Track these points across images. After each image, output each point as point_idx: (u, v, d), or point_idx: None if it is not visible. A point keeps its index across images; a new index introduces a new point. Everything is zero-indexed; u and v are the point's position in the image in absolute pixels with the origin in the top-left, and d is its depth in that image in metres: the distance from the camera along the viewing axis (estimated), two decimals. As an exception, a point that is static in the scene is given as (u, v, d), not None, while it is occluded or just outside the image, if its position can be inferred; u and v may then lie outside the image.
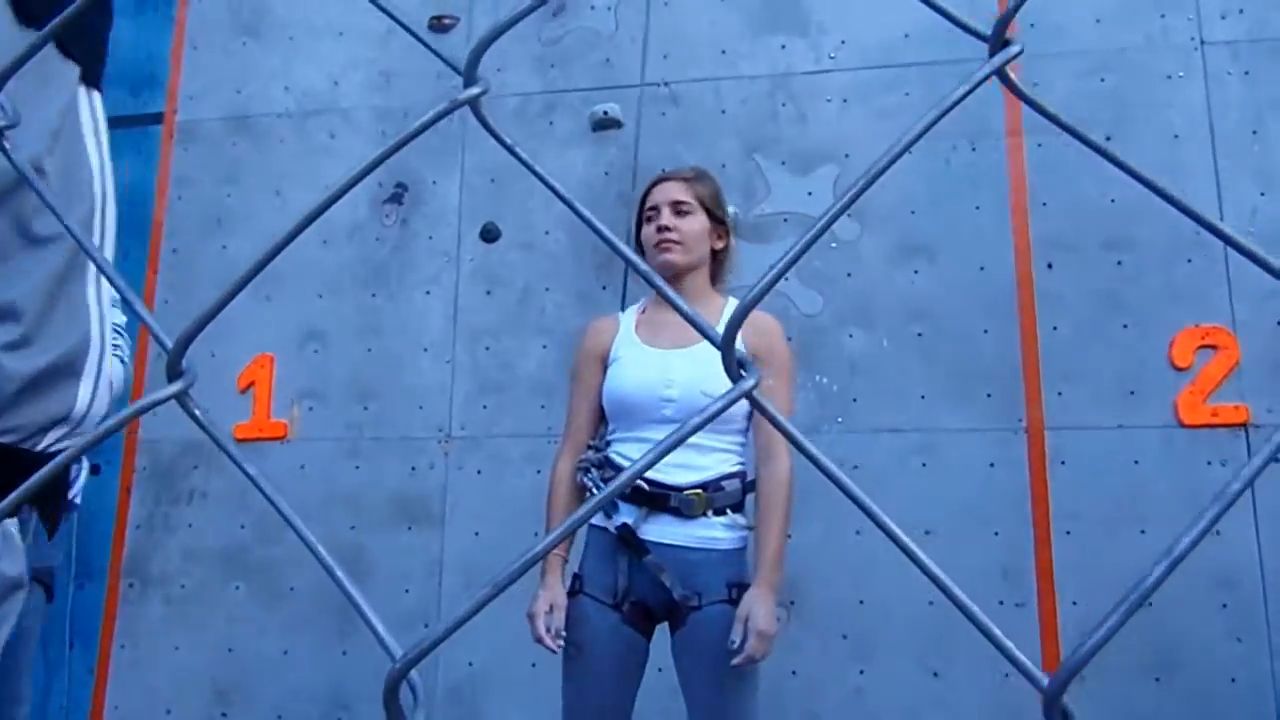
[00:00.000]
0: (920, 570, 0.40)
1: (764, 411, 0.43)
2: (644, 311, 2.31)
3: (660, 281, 0.49)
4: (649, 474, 2.04)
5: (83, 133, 0.84)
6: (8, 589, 0.75)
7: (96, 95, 0.87)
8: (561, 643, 2.07)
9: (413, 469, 3.72)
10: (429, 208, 3.97)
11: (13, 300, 0.74)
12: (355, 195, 4.03)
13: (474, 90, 0.47)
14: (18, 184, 0.73)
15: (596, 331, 2.30)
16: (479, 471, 3.66)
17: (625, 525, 2.10)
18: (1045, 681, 0.33)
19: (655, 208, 2.25)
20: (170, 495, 3.87)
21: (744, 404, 2.15)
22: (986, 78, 0.42)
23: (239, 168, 4.13)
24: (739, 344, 2.18)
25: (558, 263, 3.78)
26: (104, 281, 0.83)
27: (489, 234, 3.87)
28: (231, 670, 3.68)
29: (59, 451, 0.80)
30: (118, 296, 0.86)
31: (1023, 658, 0.35)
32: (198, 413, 0.47)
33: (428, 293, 3.87)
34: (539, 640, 2.06)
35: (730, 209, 3.63)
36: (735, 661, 1.97)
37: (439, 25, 4.13)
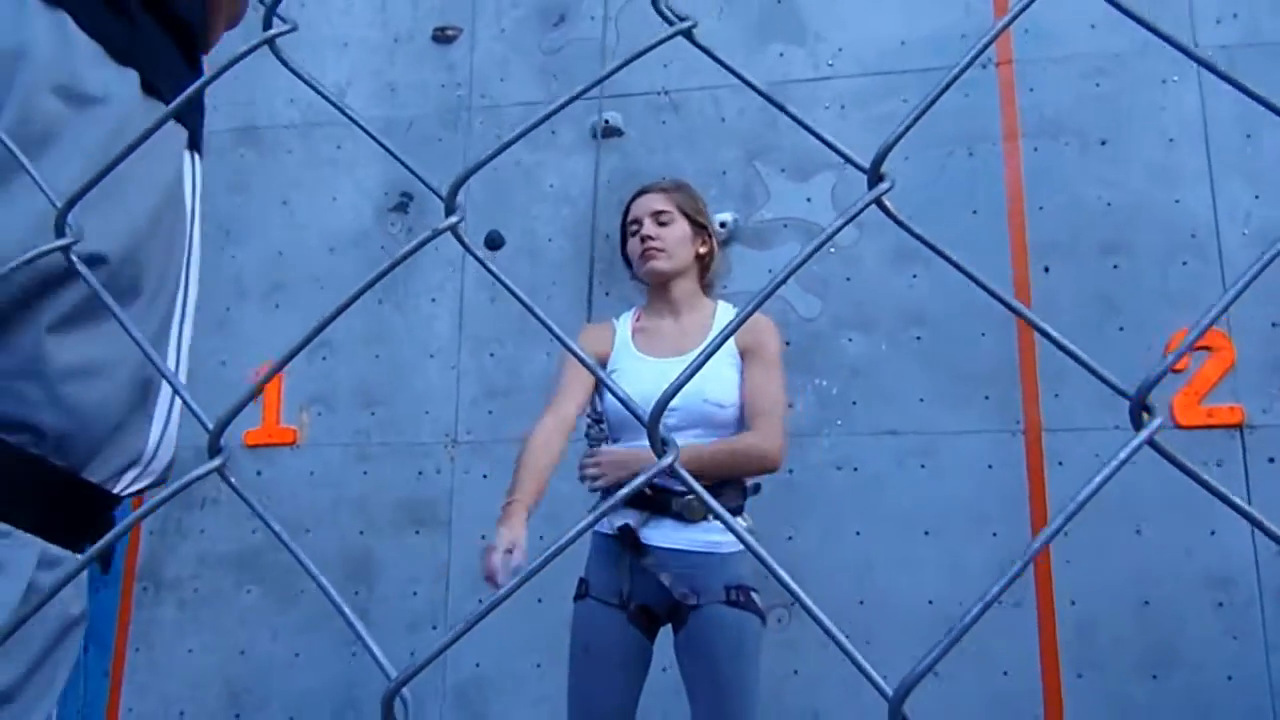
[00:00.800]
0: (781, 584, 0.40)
1: (685, 482, 0.46)
2: (638, 319, 2.31)
3: (593, 364, 0.50)
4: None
5: (185, 204, 0.88)
6: (71, 625, 0.78)
7: (198, 159, 0.91)
8: (502, 581, 1.90)
9: (420, 473, 3.72)
10: (434, 217, 3.97)
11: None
12: (360, 206, 4.04)
13: (453, 219, 0.52)
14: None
15: (593, 339, 2.30)
16: (485, 476, 3.67)
17: (626, 526, 2.11)
18: (890, 691, 0.39)
19: (637, 220, 2.27)
20: (183, 502, 3.87)
21: (733, 408, 2.14)
22: (864, 209, 0.44)
23: (247, 178, 4.14)
24: (730, 343, 2.18)
25: (561, 269, 3.79)
26: (188, 323, 0.89)
27: (493, 242, 3.87)
28: (244, 672, 3.69)
29: (136, 491, 0.86)
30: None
31: (872, 671, 0.40)
32: (233, 481, 0.54)
33: (433, 300, 3.88)
34: (489, 578, 1.91)
35: (728, 216, 3.64)
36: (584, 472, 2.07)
37: (443, 36, 4.14)
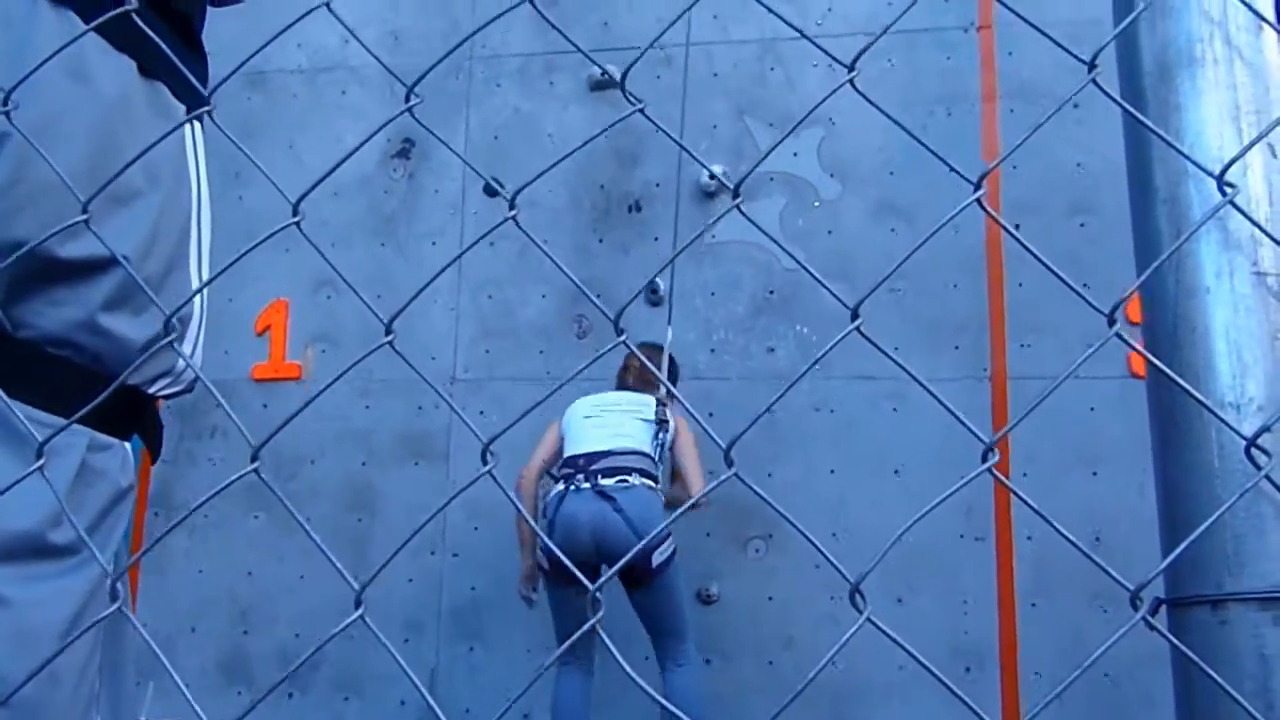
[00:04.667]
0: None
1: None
2: None
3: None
4: None
5: (186, 160, 1.03)
6: (121, 494, 0.94)
7: (198, 127, 1.05)
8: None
9: (419, 408, 3.74)
10: (435, 163, 3.95)
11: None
12: (364, 151, 4.01)
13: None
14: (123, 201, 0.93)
15: None
16: (481, 411, 3.69)
17: None
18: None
19: None
20: (193, 432, 3.89)
21: None
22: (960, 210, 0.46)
23: (254, 122, 4.09)
24: None
25: (557, 216, 3.78)
26: (204, 262, 1.04)
27: (491, 190, 3.85)
28: (252, 593, 3.74)
29: (169, 395, 1.01)
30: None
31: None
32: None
33: (434, 244, 3.87)
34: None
35: (718, 168, 3.63)
36: None
37: (445, -13, 4.07)
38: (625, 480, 2.80)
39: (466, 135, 3.92)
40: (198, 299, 1.00)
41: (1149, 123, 0.71)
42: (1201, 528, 0.65)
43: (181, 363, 0.98)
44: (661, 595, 2.82)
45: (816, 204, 3.58)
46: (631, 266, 3.65)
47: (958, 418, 0.54)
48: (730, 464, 0.50)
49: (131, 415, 0.97)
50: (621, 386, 3.09)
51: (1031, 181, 3.45)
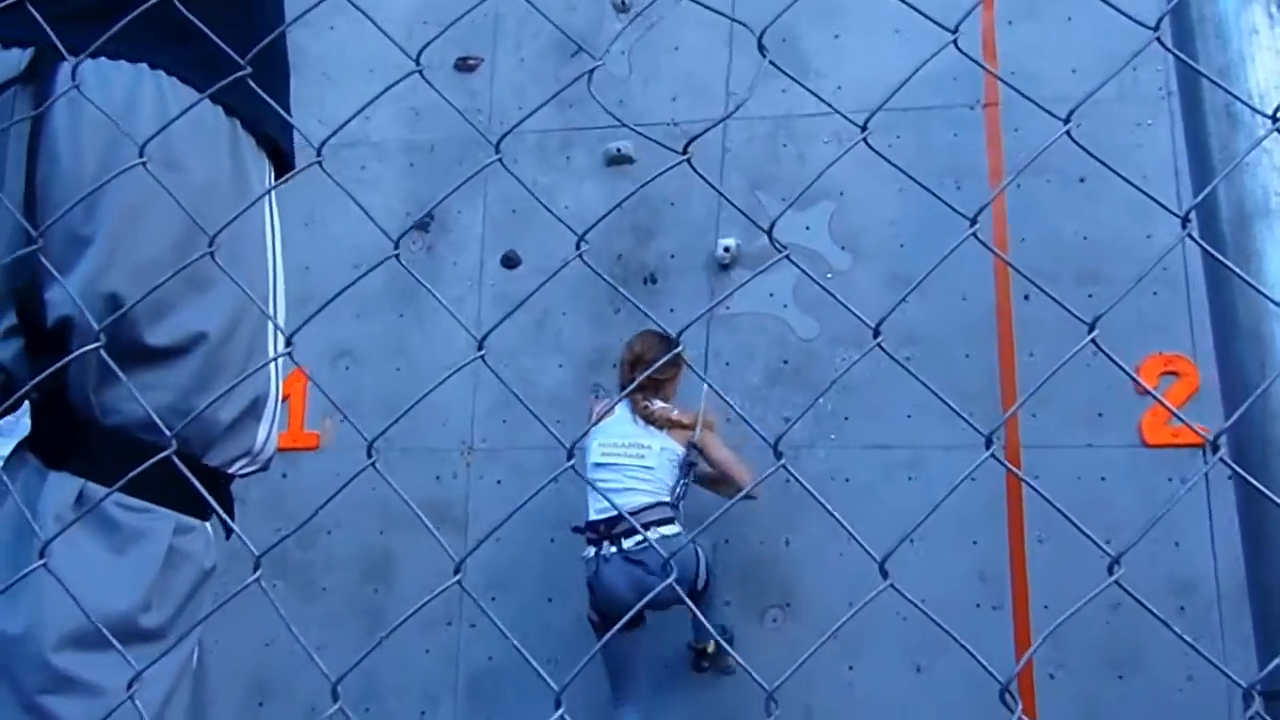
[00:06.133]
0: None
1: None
2: None
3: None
4: None
5: (265, 244, 1.09)
6: (205, 575, 0.96)
7: (275, 208, 1.11)
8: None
9: (437, 478, 3.76)
10: (454, 236, 4.03)
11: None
12: (384, 224, 4.09)
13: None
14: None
15: None
16: (499, 481, 3.71)
17: None
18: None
19: None
20: (212, 499, 3.91)
21: None
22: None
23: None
24: None
25: (574, 288, 3.84)
26: (280, 342, 1.06)
27: (510, 261, 3.93)
28: (269, 664, 3.72)
29: (247, 474, 1.05)
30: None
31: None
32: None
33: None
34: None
35: (731, 241, 3.70)
36: None
37: (464, 66, 4.20)
38: (644, 542, 2.94)
39: (485, 208, 4.01)
40: (272, 381, 1.03)
41: (1237, 269, 0.86)
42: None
43: (259, 442, 1.01)
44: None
45: (829, 275, 3.63)
46: (646, 336, 3.70)
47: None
48: (778, 455, 0.53)
49: (214, 495, 0.97)
50: (625, 383, 3.19)
51: (1040, 253, 3.50)
